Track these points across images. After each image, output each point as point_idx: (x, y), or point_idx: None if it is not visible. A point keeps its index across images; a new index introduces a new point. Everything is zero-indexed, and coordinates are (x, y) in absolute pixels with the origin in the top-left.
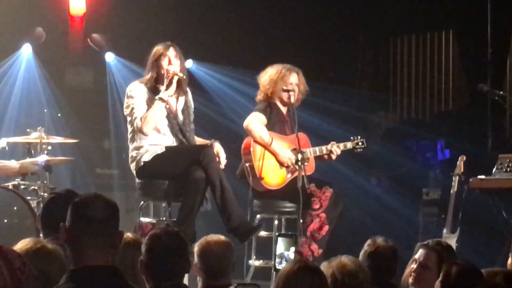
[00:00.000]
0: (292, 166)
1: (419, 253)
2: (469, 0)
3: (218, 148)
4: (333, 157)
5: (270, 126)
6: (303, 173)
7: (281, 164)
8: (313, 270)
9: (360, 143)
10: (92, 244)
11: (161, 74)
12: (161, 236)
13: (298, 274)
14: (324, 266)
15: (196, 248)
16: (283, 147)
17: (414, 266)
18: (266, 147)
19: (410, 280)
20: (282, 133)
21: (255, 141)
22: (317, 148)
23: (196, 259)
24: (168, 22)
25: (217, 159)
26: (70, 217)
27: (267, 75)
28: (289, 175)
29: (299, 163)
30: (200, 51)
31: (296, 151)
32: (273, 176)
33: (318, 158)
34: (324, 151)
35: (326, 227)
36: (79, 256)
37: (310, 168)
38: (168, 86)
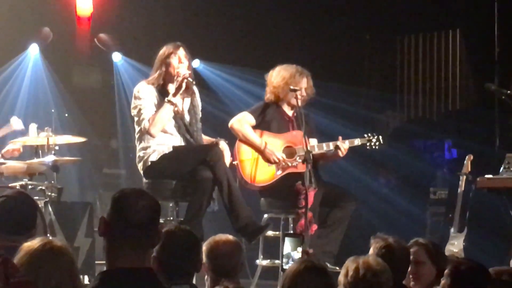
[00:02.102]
0: (283, 163)
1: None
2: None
3: (223, 146)
4: (340, 154)
5: (266, 125)
6: (309, 170)
7: (267, 161)
8: (319, 270)
9: (374, 140)
10: (129, 245)
11: (170, 72)
12: (175, 233)
13: (305, 274)
14: (350, 261)
15: (204, 247)
16: (275, 145)
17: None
18: (250, 145)
19: (411, 283)
20: (282, 132)
21: (240, 140)
22: (316, 145)
23: (204, 258)
24: (175, 22)
25: (224, 160)
26: (110, 213)
27: (279, 77)
28: (279, 172)
29: (306, 161)
30: (207, 51)
31: (289, 148)
32: (262, 172)
33: (324, 159)
34: (325, 148)
35: (314, 226)
36: (113, 255)
37: (303, 165)
38: (177, 89)
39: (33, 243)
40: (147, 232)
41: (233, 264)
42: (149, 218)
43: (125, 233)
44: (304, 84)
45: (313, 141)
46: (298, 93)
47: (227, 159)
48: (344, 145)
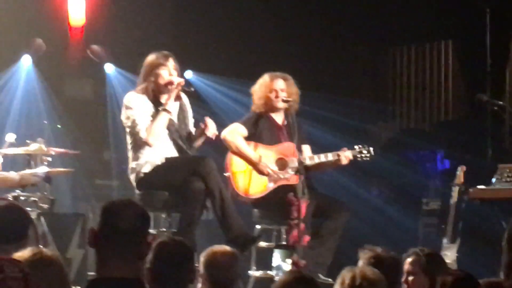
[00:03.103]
0: (275, 175)
1: (405, 264)
2: (468, 11)
3: (208, 121)
4: (344, 161)
5: (257, 136)
6: (300, 182)
7: (260, 173)
8: (308, 281)
9: (365, 151)
10: (117, 253)
11: (159, 83)
12: (168, 244)
13: (294, 285)
14: (346, 270)
15: (202, 258)
16: (268, 157)
17: (403, 278)
18: (243, 157)
19: None
20: (273, 142)
21: (232, 152)
22: (316, 156)
23: (202, 269)
24: (167, 33)
25: (217, 171)
26: (99, 223)
27: (258, 86)
28: (271, 184)
29: (298, 172)
30: (200, 62)
31: (281, 160)
32: (254, 185)
33: (324, 167)
34: (323, 159)
35: (307, 237)
36: (103, 264)
37: (295, 177)
38: (175, 98)
39: (23, 253)
40: (135, 241)
41: (231, 275)
42: (136, 227)
43: (113, 241)
44: (280, 86)
45: (306, 148)
46: (273, 94)
47: (213, 131)
48: (346, 153)
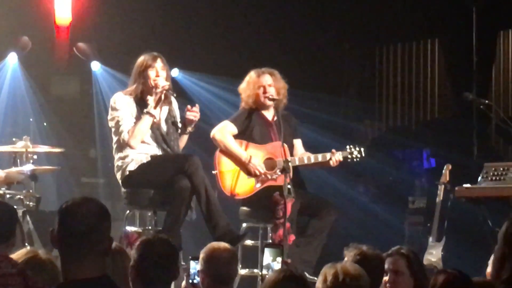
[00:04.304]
0: (263, 176)
1: (387, 262)
2: (454, 9)
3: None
4: (331, 163)
5: (248, 133)
6: (288, 181)
7: (249, 173)
8: (298, 279)
9: (355, 153)
10: (79, 255)
11: (148, 85)
12: (153, 242)
13: (283, 283)
14: (327, 267)
15: (202, 254)
16: (256, 157)
17: (386, 278)
18: (232, 156)
19: None
20: (264, 139)
21: (221, 151)
22: (306, 157)
23: (202, 265)
24: (153, 31)
25: (202, 169)
26: (57, 224)
27: (244, 83)
28: (258, 185)
29: (284, 171)
30: (186, 60)
31: (270, 160)
32: (241, 185)
33: (314, 165)
34: (313, 160)
35: (292, 236)
36: (67, 267)
37: (283, 177)
38: (157, 102)
39: (18, 256)
40: (95, 239)
41: (230, 271)
42: (94, 225)
43: (72, 243)
44: (267, 81)
45: (298, 142)
46: (261, 90)
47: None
48: (336, 156)
